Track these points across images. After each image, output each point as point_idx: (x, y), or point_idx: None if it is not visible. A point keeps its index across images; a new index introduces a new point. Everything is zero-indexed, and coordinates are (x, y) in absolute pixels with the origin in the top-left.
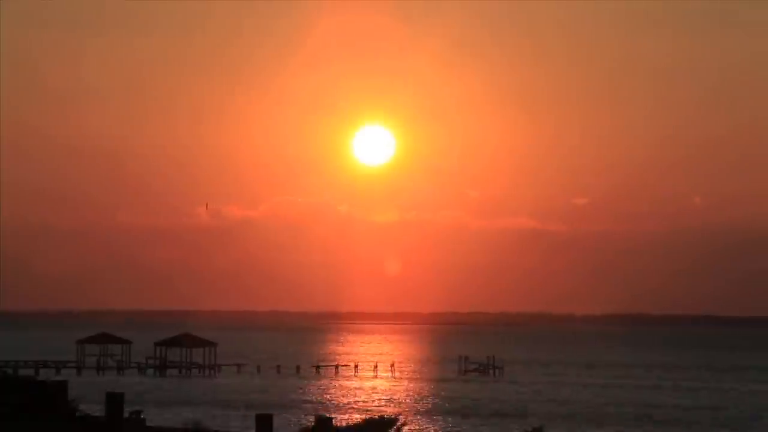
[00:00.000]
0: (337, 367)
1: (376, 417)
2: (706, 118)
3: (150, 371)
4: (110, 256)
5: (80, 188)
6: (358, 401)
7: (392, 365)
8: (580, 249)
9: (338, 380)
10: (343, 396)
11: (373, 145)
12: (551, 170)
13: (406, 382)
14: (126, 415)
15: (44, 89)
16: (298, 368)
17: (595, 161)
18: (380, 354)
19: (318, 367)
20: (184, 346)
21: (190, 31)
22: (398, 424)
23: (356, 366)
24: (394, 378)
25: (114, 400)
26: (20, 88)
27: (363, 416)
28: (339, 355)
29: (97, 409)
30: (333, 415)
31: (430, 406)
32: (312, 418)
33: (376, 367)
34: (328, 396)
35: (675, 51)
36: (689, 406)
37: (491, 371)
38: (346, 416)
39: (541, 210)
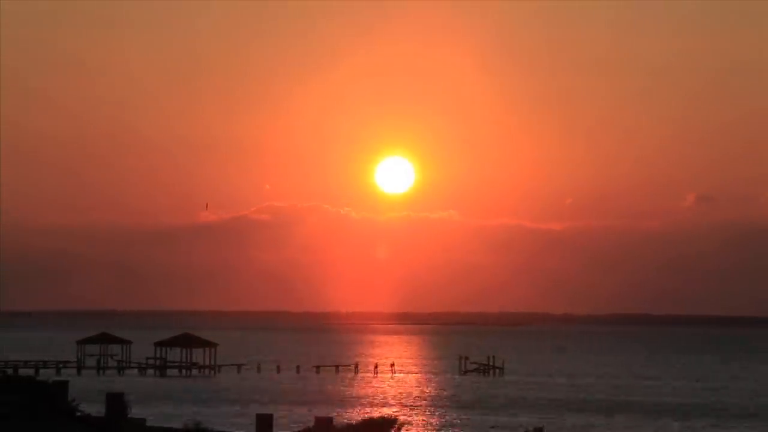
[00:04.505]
0: (337, 367)
1: (376, 417)
2: (701, 115)
3: (150, 371)
4: (111, 256)
5: (80, 188)
6: (358, 401)
7: (392, 365)
8: (580, 249)
9: (338, 380)
10: (343, 396)
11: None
12: (549, 170)
13: (406, 382)
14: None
15: (44, 88)
16: (298, 368)
17: (592, 160)
18: (379, 354)
19: (318, 367)
20: (184, 346)
21: (210, 42)
22: (398, 424)
23: (356, 366)
24: (394, 378)
25: (114, 400)
26: (18, 89)
27: (363, 416)
28: (340, 356)
29: (97, 409)
30: (333, 415)
31: (429, 406)
32: (312, 418)
33: (376, 366)
34: (328, 396)
35: (668, 49)
36: (689, 401)
37: (491, 371)
38: (346, 416)
39: (541, 210)
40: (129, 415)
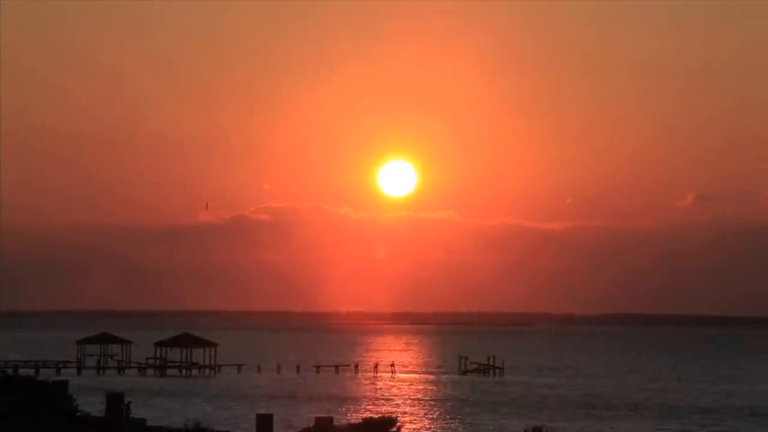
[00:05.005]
0: (337, 367)
1: (376, 417)
2: (700, 114)
3: (150, 371)
4: (110, 256)
5: (80, 187)
6: (358, 401)
7: (392, 365)
8: (580, 249)
9: (338, 380)
10: (343, 396)
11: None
12: (548, 170)
13: (406, 382)
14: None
15: (43, 88)
16: (298, 368)
17: (591, 160)
18: (379, 354)
19: (318, 367)
20: (184, 346)
21: (211, 43)
22: (398, 424)
23: (356, 366)
24: (394, 378)
25: (114, 400)
26: (19, 87)
27: (363, 416)
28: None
29: (97, 409)
30: (333, 415)
31: (429, 406)
32: (312, 418)
33: (376, 366)
34: (328, 396)
35: (666, 47)
36: (685, 402)
37: (491, 371)
38: (346, 416)
39: (540, 209)
40: (130, 415)
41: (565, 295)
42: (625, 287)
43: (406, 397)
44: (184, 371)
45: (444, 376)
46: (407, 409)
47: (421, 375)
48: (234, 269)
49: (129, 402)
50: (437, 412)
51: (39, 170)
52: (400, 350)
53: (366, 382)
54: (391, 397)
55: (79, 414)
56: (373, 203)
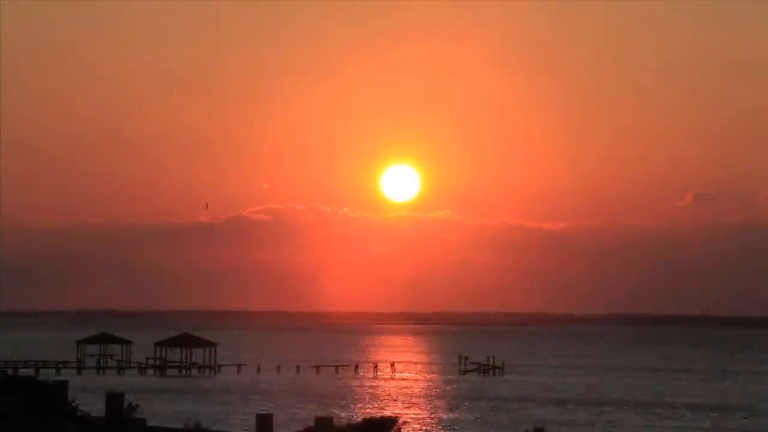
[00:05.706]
0: (337, 367)
1: (376, 417)
2: (700, 113)
3: (150, 371)
4: (109, 255)
5: (80, 188)
6: (358, 401)
7: (392, 365)
8: (580, 248)
9: (338, 380)
10: (343, 395)
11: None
12: (548, 169)
13: (406, 382)
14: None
15: (44, 88)
16: (298, 368)
17: (590, 160)
18: (379, 354)
19: (318, 367)
20: (184, 346)
21: (212, 43)
22: (398, 424)
23: (356, 366)
24: (394, 378)
25: (114, 400)
26: (18, 88)
27: (363, 416)
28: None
29: (97, 409)
30: (333, 415)
31: (429, 405)
32: (312, 418)
33: (376, 367)
34: (328, 396)
35: (667, 47)
36: (685, 399)
37: (491, 371)
38: (346, 416)
39: (539, 209)
40: (134, 415)
41: (564, 294)
42: (625, 287)
43: (406, 396)
44: (184, 371)
45: (444, 376)
46: (407, 409)
47: (421, 375)
48: (233, 269)
49: (130, 402)
50: (437, 412)
51: (39, 170)
52: (400, 350)
53: (366, 382)
54: (391, 397)
55: (79, 414)
56: (373, 205)
